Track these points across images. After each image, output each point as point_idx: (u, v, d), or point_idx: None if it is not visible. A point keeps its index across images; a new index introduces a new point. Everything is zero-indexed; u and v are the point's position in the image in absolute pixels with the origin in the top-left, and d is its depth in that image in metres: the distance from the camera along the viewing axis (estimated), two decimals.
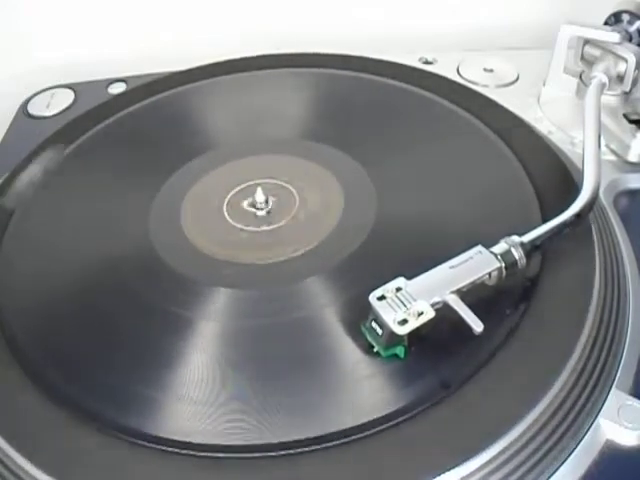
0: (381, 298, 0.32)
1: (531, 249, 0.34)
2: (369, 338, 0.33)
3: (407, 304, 0.32)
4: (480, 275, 0.33)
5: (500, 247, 0.34)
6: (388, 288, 0.33)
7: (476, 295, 0.33)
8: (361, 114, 0.49)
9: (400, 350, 0.32)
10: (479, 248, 0.34)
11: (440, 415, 0.31)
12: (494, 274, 0.34)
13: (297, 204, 0.43)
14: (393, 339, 0.32)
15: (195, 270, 0.39)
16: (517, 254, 0.34)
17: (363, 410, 0.31)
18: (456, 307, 0.32)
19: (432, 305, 0.32)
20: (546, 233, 0.35)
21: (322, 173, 0.44)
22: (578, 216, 0.36)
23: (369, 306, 0.32)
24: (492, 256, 0.34)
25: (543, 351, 0.33)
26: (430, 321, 0.31)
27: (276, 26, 0.64)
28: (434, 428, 0.30)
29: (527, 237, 0.35)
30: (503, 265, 0.34)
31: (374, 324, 0.32)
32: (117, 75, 0.59)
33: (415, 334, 0.32)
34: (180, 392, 0.33)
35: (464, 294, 0.33)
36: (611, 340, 0.34)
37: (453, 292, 0.32)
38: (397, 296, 0.32)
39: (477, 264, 0.34)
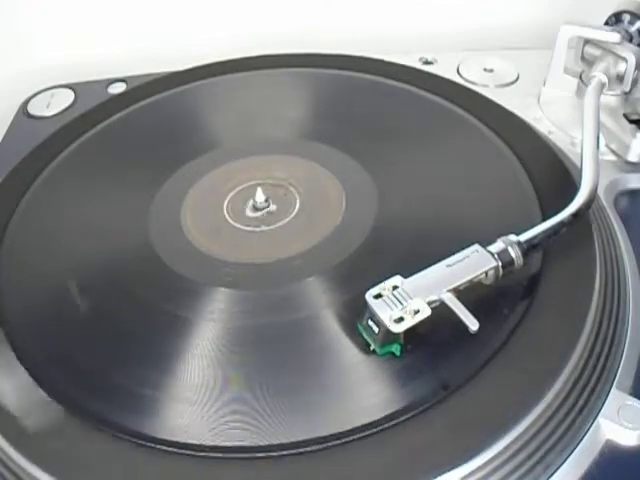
0: (377, 296, 0.32)
1: (528, 248, 0.34)
2: (365, 336, 0.33)
3: (403, 302, 0.32)
4: (477, 274, 0.33)
5: (497, 246, 0.34)
6: (385, 286, 0.33)
7: (476, 295, 0.33)
8: (361, 114, 0.49)
9: (396, 348, 0.32)
10: (476, 247, 0.34)
11: (440, 415, 0.30)
12: (491, 273, 0.34)
13: (297, 204, 0.43)
14: (389, 337, 0.32)
15: (195, 270, 0.39)
16: (514, 253, 0.34)
17: (363, 410, 0.31)
18: (452, 305, 0.32)
19: (428, 303, 0.32)
20: (543, 232, 0.35)
21: (322, 173, 0.44)
22: (575, 215, 0.36)
23: (365, 304, 0.32)
24: (489, 255, 0.34)
25: (543, 351, 0.33)
26: (427, 319, 0.31)
27: (276, 26, 0.64)
28: (434, 428, 0.30)
29: (524, 236, 0.35)
30: (500, 264, 0.34)
31: (370, 322, 0.32)
32: (117, 75, 0.60)
33: (411, 332, 0.32)
34: (180, 392, 0.33)
35: (461, 293, 0.33)
36: (611, 340, 0.34)
37: (449, 290, 0.32)
38: (393, 294, 0.32)
39: (474, 263, 0.34)
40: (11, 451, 0.31)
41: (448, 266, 0.33)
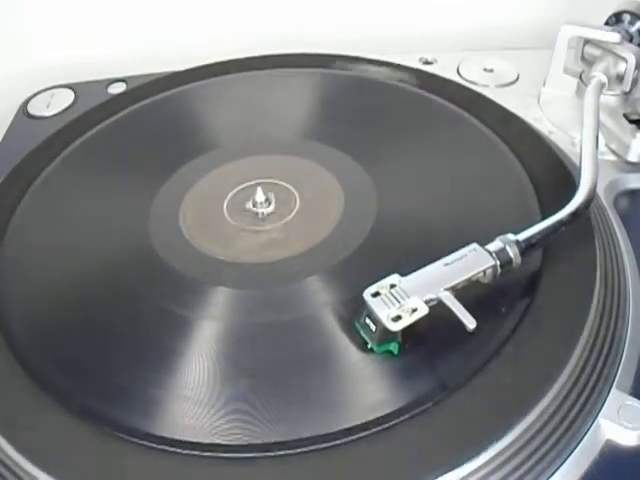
0: (375, 295, 0.32)
1: (526, 247, 0.34)
2: (363, 334, 0.33)
3: (401, 301, 0.32)
4: (474, 273, 0.33)
5: (495, 245, 0.34)
6: (382, 284, 0.33)
7: (474, 294, 0.33)
8: (361, 114, 0.49)
9: (394, 347, 0.32)
10: (474, 246, 0.34)
11: (440, 415, 0.30)
12: (489, 272, 0.34)
13: (297, 204, 0.43)
14: (386, 335, 0.32)
15: (195, 270, 0.39)
16: (512, 252, 0.34)
17: (363, 410, 0.31)
18: (449, 304, 0.32)
19: (426, 302, 0.32)
20: (542, 232, 0.35)
21: (322, 173, 0.44)
22: (574, 215, 0.36)
23: (363, 302, 0.32)
24: (487, 254, 0.34)
25: (543, 351, 0.33)
26: (424, 318, 0.31)
27: (276, 26, 0.64)
28: (434, 428, 0.30)
29: (522, 235, 0.35)
30: (498, 263, 0.34)
31: (368, 320, 0.32)
32: (117, 75, 0.60)
33: (409, 331, 0.32)
34: (180, 392, 0.33)
35: (459, 291, 0.33)
36: (611, 340, 0.34)
37: (447, 289, 0.32)
38: (391, 292, 0.32)
39: (471, 262, 0.34)
40: (11, 451, 0.31)
41: (446, 265, 0.33)
